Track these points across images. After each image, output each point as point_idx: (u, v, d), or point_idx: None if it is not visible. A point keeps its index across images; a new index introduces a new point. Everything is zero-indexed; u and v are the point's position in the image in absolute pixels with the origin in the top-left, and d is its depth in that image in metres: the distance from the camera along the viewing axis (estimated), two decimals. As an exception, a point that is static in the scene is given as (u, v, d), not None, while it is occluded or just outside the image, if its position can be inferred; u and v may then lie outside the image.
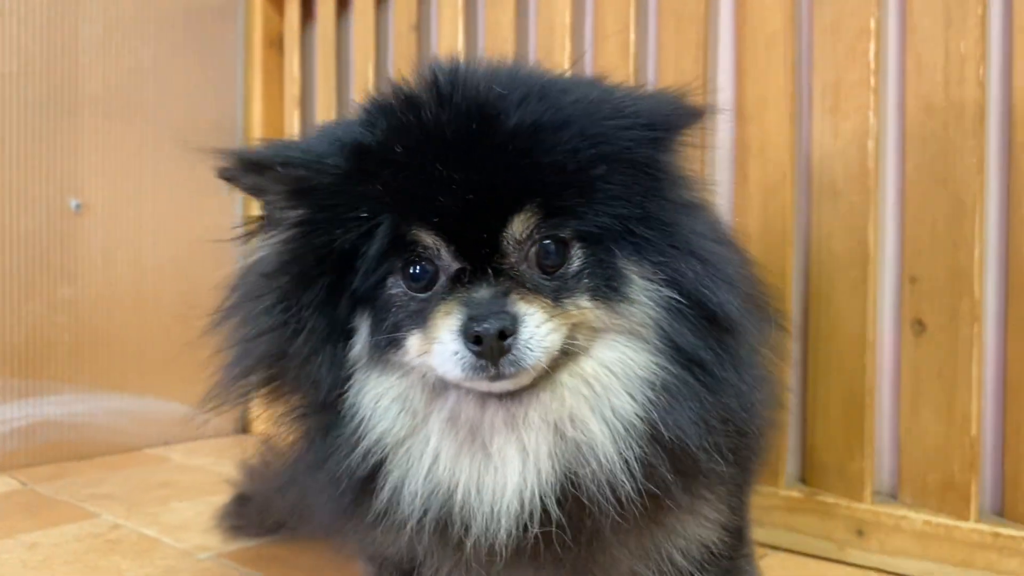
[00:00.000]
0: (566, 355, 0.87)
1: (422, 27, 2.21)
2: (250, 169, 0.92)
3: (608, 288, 0.89)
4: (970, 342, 1.36)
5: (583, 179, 0.87)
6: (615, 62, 1.76)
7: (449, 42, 2.07)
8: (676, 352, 0.88)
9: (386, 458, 0.89)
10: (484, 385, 0.86)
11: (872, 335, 1.46)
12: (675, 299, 0.88)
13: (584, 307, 0.88)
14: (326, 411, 0.92)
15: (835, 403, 1.51)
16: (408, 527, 0.88)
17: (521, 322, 0.83)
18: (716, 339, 0.89)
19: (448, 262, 0.87)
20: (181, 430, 2.43)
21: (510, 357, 0.83)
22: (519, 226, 0.87)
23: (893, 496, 1.50)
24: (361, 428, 0.90)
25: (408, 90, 0.90)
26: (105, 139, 2.26)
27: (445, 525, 0.88)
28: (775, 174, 1.55)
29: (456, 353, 0.84)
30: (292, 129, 2.50)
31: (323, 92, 2.42)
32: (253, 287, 0.95)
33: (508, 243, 0.87)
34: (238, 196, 2.54)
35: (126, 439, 2.32)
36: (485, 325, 0.82)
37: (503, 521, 0.85)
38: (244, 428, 2.57)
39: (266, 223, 0.96)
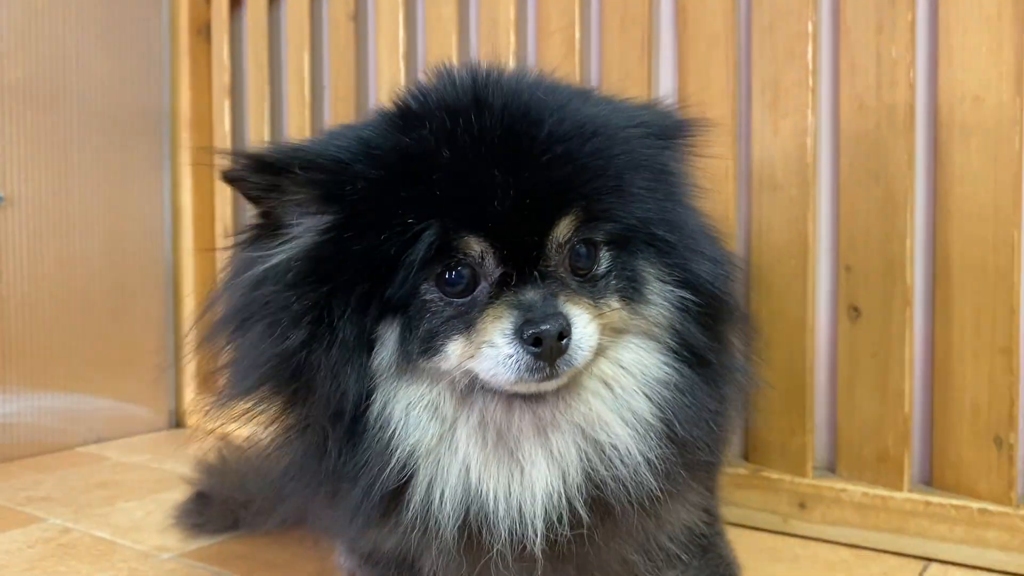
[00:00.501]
0: (593, 354, 0.89)
1: (359, 17, 2.20)
2: (265, 170, 0.89)
3: (631, 290, 0.92)
4: (903, 325, 1.47)
5: (616, 183, 0.91)
6: (559, 59, 1.81)
7: (389, 34, 2.08)
8: (686, 352, 0.93)
9: (417, 468, 0.89)
10: (531, 386, 0.87)
11: (811, 320, 1.56)
12: (687, 299, 0.93)
13: (615, 308, 0.91)
14: (349, 422, 0.89)
15: (776, 385, 1.60)
16: (439, 534, 0.88)
17: (573, 323, 0.85)
18: (719, 337, 0.96)
19: (492, 267, 0.87)
20: (114, 427, 2.38)
21: (565, 357, 0.84)
22: (563, 229, 0.89)
23: (831, 470, 1.61)
24: (394, 439, 0.89)
25: (447, 95, 0.91)
26: (28, 129, 2.17)
27: (475, 531, 0.89)
28: (718, 170, 1.63)
29: (511, 356, 0.84)
30: (222, 119, 2.46)
31: (254, 82, 2.39)
32: (272, 296, 0.90)
33: (551, 247, 0.88)
34: (165, 186, 2.49)
35: (57, 438, 2.25)
36: (544, 327, 0.83)
37: (531, 526, 0.87)
38: (178, 423, 2.53)
39: (269, 229, 0.93)
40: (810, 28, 1.54)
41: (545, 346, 0.83)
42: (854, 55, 1.52)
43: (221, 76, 2.46)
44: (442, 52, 2.00)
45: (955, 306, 1.46)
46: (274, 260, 0.91)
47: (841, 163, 1.56)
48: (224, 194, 2.47)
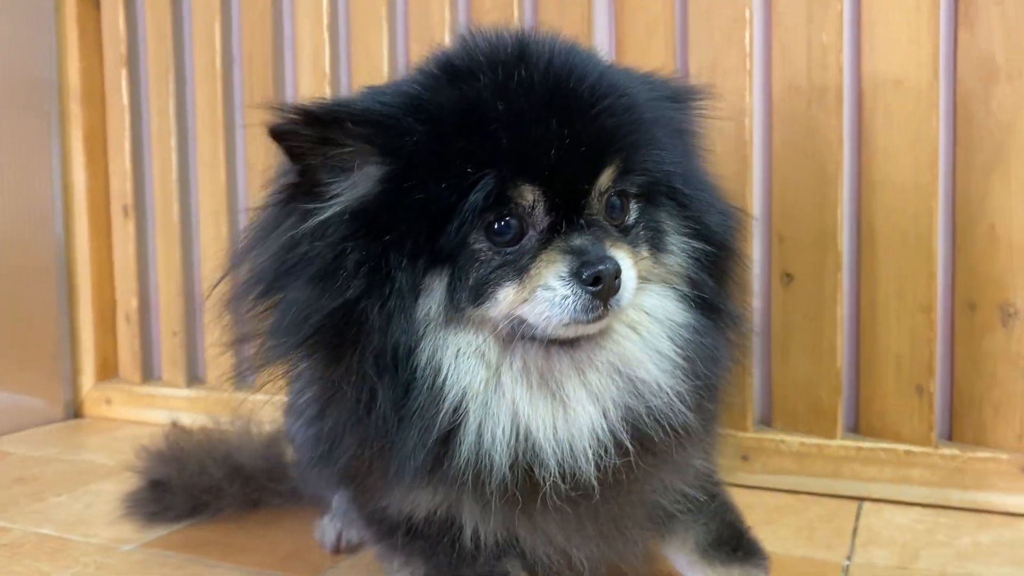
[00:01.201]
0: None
1: (277, -13, 2.14)
2: (316, 123, 0.88)
3: (655, 239, 0.98)
4: (834, 289, 1.62)
5: (647, 139, 0.96)
6: (496, 36, 1.84)
7: (310, 4, 2.04)
8: (699, 298, 1.00)
9: (468, 411, 0.92)
10: (579, 328, 0.90)
11: (748, 287, 1.68)
12: (701, 249, 0.99)
13: (645, 256, 0.97)
14: (398, 372, 0.90)
15: (716, 348, 1.71)
16: (493, 473, 0.91)
17: (620, 268, 0.89)
18: (726, 285, 1.03)
19: (540, 216, 0.90)
20: (6, 420, 2.22)
21: (616, 297, 0.89)
22: (606, 180, 0.93)
23: (768, 424, 1.75)
24: (445, 384, 0.91)
25: (493, 52, 0.93)
26: (-95, 100, 1.98)
27: (526, 468, 0.91)
28: (659, 146, 1.72)
29: (567, 297, 0.88)
30: (119, 92, 2.32)
31: (156, 52, 2.27)
32: (322, 250, 0.90)
33: (595, 195, 0.93)
34: (55, 163, 2.34)
35: (-52, 436, 2.08)
36: (602, 267, 0.87)
37: (582, 457, 0.91)
38: (76, 413, 2.39)
39: (307, 187, 0.91)
40: (747, 14, 1.65)
41: (604, 285, 0.87)
42: (786, 41, 1.65)
43: (116, 46, 2.32)
44: (369, 21, 1.99)
45: (880, 270, 1.62)
46: (322, 216, 0.91)
47: (774, 141, 1.68)
48: (121, 170, 2.35)
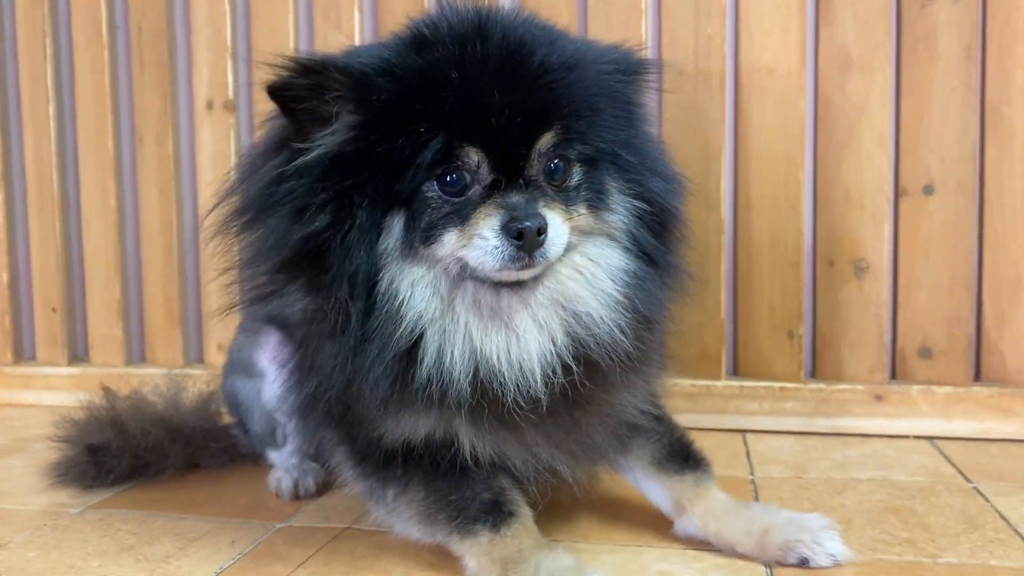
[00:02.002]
0: (564, 250, 1.06)
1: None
2: (309, 73, 1.00)
3: (597, 200, 1.10)
4: (718, 249, 1.86)
5: (589, 110, 1.07)
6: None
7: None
8: (640, 251, 1.13)
9: (424, 332, 1.04)
10: (512, 274, 1.03)
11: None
12: (643, 209, 1.12)
13: (582, 214, 1.09)
14: (363, 296, 1.03)
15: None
16: (456, 389, 1.04)
17: (548, 223, 1.02)
18: (666, 241, 1.17)
19: (485, 174, 1.03)
20: None
21: (541, 250, 1.01)
22: (545, 144, 1.05)
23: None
24: (402, 308, 1.04)
25: (455, 25, 1.04)
26: None
27: (486, 385, 1.05)
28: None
29: (497, 247, 1.00)
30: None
31: (28, 17, 2.18)
32: (301, 187, 1.02)
33: (534, 159, 1.05)
34: None
35: None
36: (527, 223, 0.99)
37: (531, 378, 1.05)
38: (-60, 399, 2.25)
39: (297, 134, 1.03)
40: (643, 4, 1.85)
41: (527, 240, 1.00)
42: (676, 31, 1.86)
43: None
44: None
45: (755, 231, 1.87)
46: (306, 158, 1.02)
47: (664, 120, 1.90)
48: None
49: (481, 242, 1.01)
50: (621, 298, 1.10)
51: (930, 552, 1.20)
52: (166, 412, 1.60)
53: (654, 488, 1.28)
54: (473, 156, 1.02)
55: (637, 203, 1.12)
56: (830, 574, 1.13)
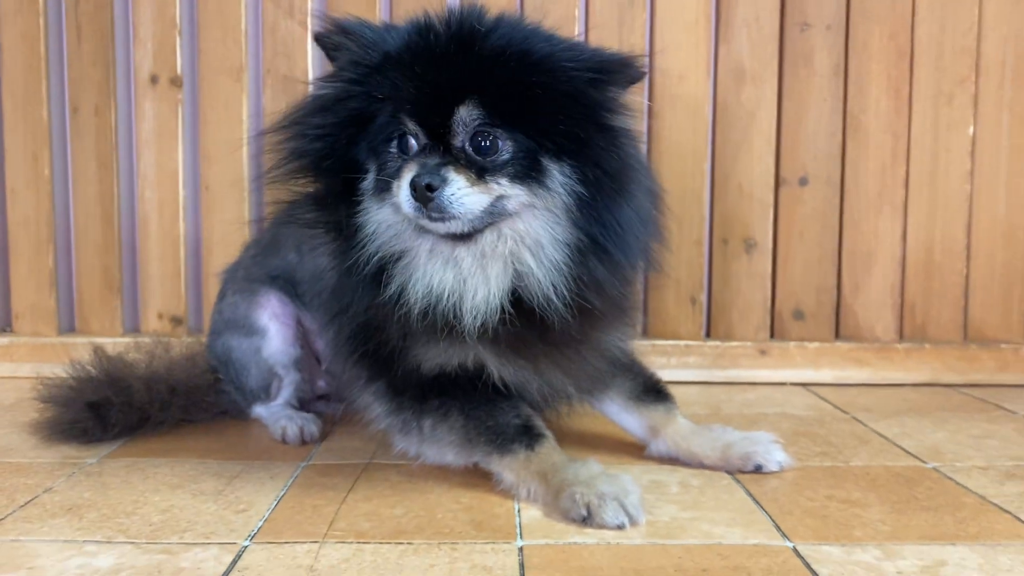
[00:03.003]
0: (505, 215, 1.24)
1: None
2: (340, 32, 1.29)
3: (529, 176, 1.23)
4: (636, 229, 2.16)
5: (523, 96, 1.21)
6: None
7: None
8: (580, 228, 1.26)
9: (387, 265, 1.29)
10: (427, 224, 1.23)
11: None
12: (583, 194, 1.24)
13: (503, 185, 1.23)
14: (348, 229, 1.30)
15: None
16: (413, 314, 1.27)
17: (446, 183, 1.20)
18: (607, 222, 1.26)
19: (422, 139, 1.25)
20: None
21: (434, 204, 1.20)
22: (464, 115, 1.21)
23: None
24: (368, 240, 1.29)
25: (427, 20, 1.27)
26: None
27: (446, 316, 1.27)
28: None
29: (407, 198, 1.22)
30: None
31: None
32: (315, 110, 1.31)
33: (457, 130, 1.22)
34: None
35: None
36: (418, 180, 1.20)
37: (478, 313, 1.26)
38: None
39: (331, 76, 1.32)
40: (576, 13, 2.12)
41: (418, 193, 1.20)
42: (603, 38, 2.14)
43: None
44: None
45: (665, 215, 2.18)
46: (325, 92, 1.31)
47: (590, 114, 2.17)
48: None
49: (402, 192, 1.23)
50: (558, 263, 1.26)
51: (842, 459, 1.55)
52: (162, 369, 1.69)
53: (631, 417, 1.56)
54: (410, 124, 1.25)
55: (578, 188, 1.24)
56: (778, 477, 1.45)
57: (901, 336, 2.22)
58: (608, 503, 1.20)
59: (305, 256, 1.63)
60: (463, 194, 1.21)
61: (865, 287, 2.21)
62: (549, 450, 1.34)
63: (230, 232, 2.18)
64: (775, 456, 1.46)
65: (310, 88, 1.38)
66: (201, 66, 2.16)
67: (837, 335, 2.23)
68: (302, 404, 1.76)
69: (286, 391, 1.71)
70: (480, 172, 1.23)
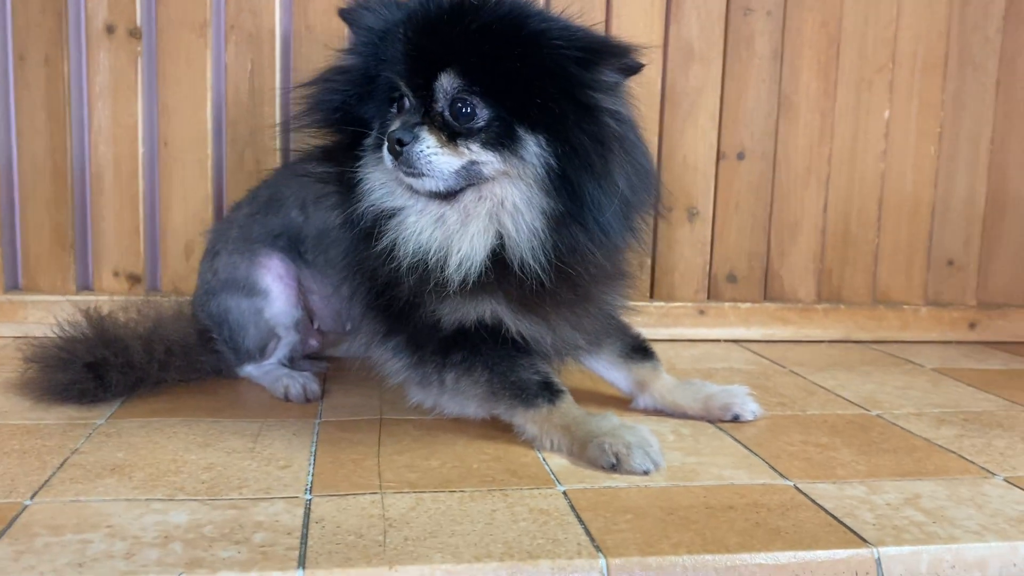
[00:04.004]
0: (483, 179, 1.33)
1: None
2: (360, 5, 1.44)
3: (503, 145, 1.31)
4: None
5: (504, 68, 1.29)
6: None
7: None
8: (553, 198, 1.33)
9: (380, 220, 1.41)
10: (404, 179, 1.35)
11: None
12: (555, 167, 1.31)
13: (473, 150, 1.31)
14: (349, 182, 1.43)
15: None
16: (403, 268, 1.37)
17: (417, 140, 1.31)
18: (587, 194, 1.33)
19: (409, 100, 1.37)
20: None
21: (403, 158, 1.31)
22: (445, 83, 1.31)
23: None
24: (365, 196, 1.42)
25: None
26: None
27: (434, 269, 1.37)
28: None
29: (387, 153, 1.34)
30: None
31: None
32: (334, 75, 1.48)
33: (437, 93, 1.32)
34: None
35: None
36: (390, 134, 1.32)
37: (465, 266, 1.36)
38: None
39: (351, 46, 1.48)
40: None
41: (388, 145, 1.33)
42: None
43: None
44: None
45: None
46: (341, 61, 1.48)
47: (550, 85, 2.27)
48: None
49: (384, 148, 1.36)
50: (536, 229, 1.34)
51: (799, 409, 1.75)
52: (159, 329, 1.69)
53: (620, 374, 1.70)
54: (402, 87, 1.37)
55: (552, 160, 1.32)
56: (753, 425, 1.63)
57: (820, 298, 2.46)
58: (635, 451, 1.34)
59: (311, 214, 1.67)
60: (431, 152, 1.32)
61: (790, 253, 2.43)
62: (568, 405, 1.46)
63: (191, 189, 2.16)
64: (750, 406, 1.64)
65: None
66: (161, 18, 2.10)
67: (765, 296, 2.45)
68: (291, 362, 1.80)
69: (281, 351, 1.75)
70: (452, 135, 1.33)
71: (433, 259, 1.37)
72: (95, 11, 2.08)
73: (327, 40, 2.13)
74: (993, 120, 2.46)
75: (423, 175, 1.33)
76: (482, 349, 1.46)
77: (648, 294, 2.38)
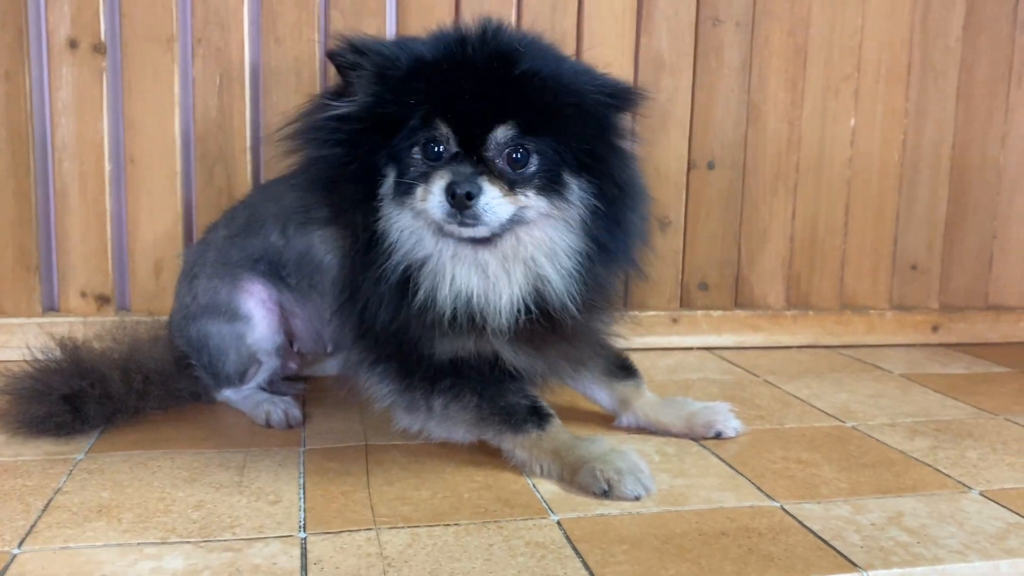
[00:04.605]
0: (523, 223, 1.34)
1: None
2: (355, 50, 1.34)
3: (552, 189, 1.34)
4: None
5: (552, 116, 1.32)
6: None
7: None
8: (592, 237, 1.38)
9: (412, 272, 1.37)
10: (455, 229, 1.31)
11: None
12: (598, 206, 1.37)
13: (529, 196, 1.33)
14: (370, 230, 1.36)
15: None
16: (444, 319, 1.36)
17: (482, 192, 1.28)
18: (619, 235, 1.41)
19: (452, 147, 1.33)
20: None
21: (470, 212, 1.28)
22: (501, 133, 1.30)
23: (513, 306, 2.36)
24: (393, 248, 1.37)
25: (460, 32, 1.35)
26: None
27: (469, 316, 1.37)
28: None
29: (440, 203, 1.29)
30: None
31: None
32: (334, 128, 1.36)
33: (491, 143, 1.30)
34: None
35: None
36: (459, 188, 1.27)
37: (503, 314, 1.38)
38: None
39: (344, 92, 1.36)
40: (513, 1, 2.20)
41: (457, 200, 1.27)
42: (537, 23, 2.23)
43: None
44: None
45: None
46: (343, 110, 1.35)
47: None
48: None
49: (432, 197, 1.31)
50: (572, 270, 1.39)
51: (776, 421, 1.78)
52: (136, 355, 1.66)
53: (603, 392, 1.71)
54: (443, 129, 1.32)
55: (596, 202, 1.37)
56: (734, 442, 1.65)
57: (789, 304, 2.50)
58: (627, 476, 1.35)
59: (291, 238, 1.65)
60: (496, 204, 1.30)
61: (760, 261, 2.47)
62: (558, 429, 1.46)
63: (159, 206, 2.12)
64: (732, 423, 1.66)
65: (318, 104, 1.41)
66: (126, 32, 2.05)
67: (736, 304, 2.48)
68: (270, 384, 1.78)
69: (261, 376, 1.73)
70: (511, 184, 1.32)
71: (473, 305, 1.36)
72: (57, 26, 2.03)
73: (297, 54, 2.10)
74: (954, 127, 2.52)
75: (482, 224, 1.30)
76: (471, 375, 1.46)
77: (622, 303, 2.39)
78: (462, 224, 1.30)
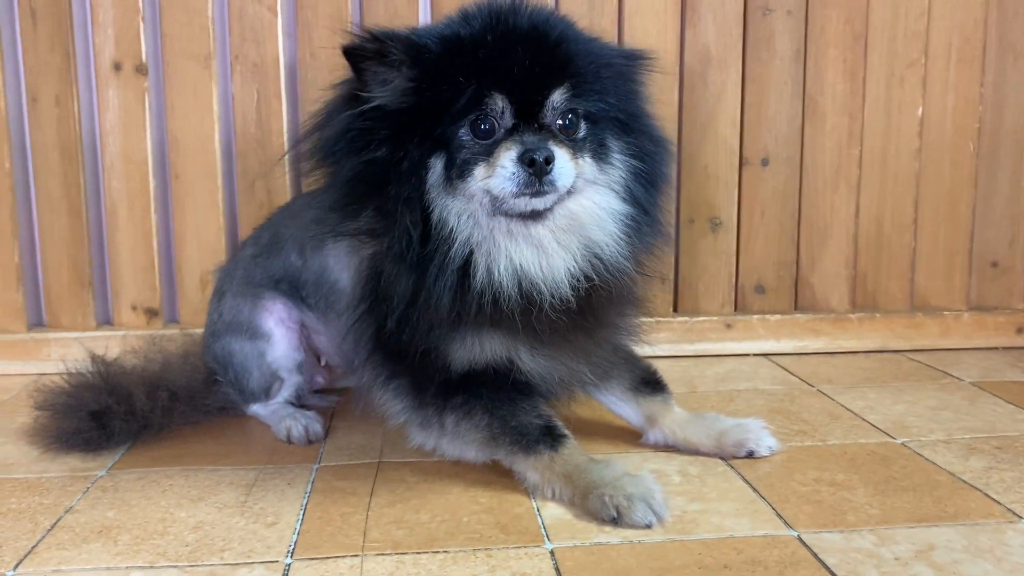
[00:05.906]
0: (572, 192, 1.32)
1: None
2: (377, 40, 1.28)
3: (600, 153, 1.35)
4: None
5: (596, 78, 1.33)
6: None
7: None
8: (634, 200, 1.38)
9: (472, 253, 1.32)
10: (527, 201, 1.27)
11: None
12: (638, 166, 1.38)
13: (587, 161, 1.33)
14: (420, 225, 1.30)
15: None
16: (504, 296, 1.31)
17: (555, 157, 1.26)
18: (653, 195, 1.44)
19: (508, 119, 1.29)
20: None
21: (548, 178, 1.25)
22: (557, 97, 1.29)
23: (558, 313, 2.31)
24: (452, 233, 1.31)
25: (494, 6, 1.32)
26: None
27: (526, 293, 1.32)
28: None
29: (514, 174, 1.25)
30: None
31: None
32: (369, 126, 1.30)
33: (548, 109, 1.29)
34: None
35: None
36: (537, 154, 1.24)
37: (561, 285, 1.33)
38: None
39: (363, 87, 1.30)
40: (551, 1, 2.14)
41: (537, 167, 1.24)
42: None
43: None
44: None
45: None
46: (370, 104, 1.29)
47: (562, 98, 2.21)
48: None
49: (502, 170, 1.27)
50: (621, 235, 1.37)
51: (819, 438, 1.67)
52: (165, 373, 1.69)
53: (629, 408, 1.64)
54: (499, 102, 1.28)
55: (634, 161, 1.38)
56: (767, 461, 1.55)
57: (854, 306, 2.36)
58: (637, 504, 1.28)
59: (309, 259, 1.65)
60: (567, 168, 1.29)
61: (821, 261, 2.33)
62: (572, 451, 1.40)
63: (203, 222, 2.16)
64: (765, 442, 1.56)
65: (332, 113, 1.37)
66: (166, 52, 2.10)
67: (796, 307, 2.36)
68: (298, 399, 1.79)
69: (286, 391, 1.74)
70: (572, 148, 1.31)
71: (531, 281, 1.33)
72: (102, 48, 2.09)
73: (332, 67, 2.10)
74: (1037, 112, 2.31)
75: (551, 192, 1.28)
76: (483, 392, 1.42)
77: (671, 308, 2.31)
78: (536, 194, 1.27)
